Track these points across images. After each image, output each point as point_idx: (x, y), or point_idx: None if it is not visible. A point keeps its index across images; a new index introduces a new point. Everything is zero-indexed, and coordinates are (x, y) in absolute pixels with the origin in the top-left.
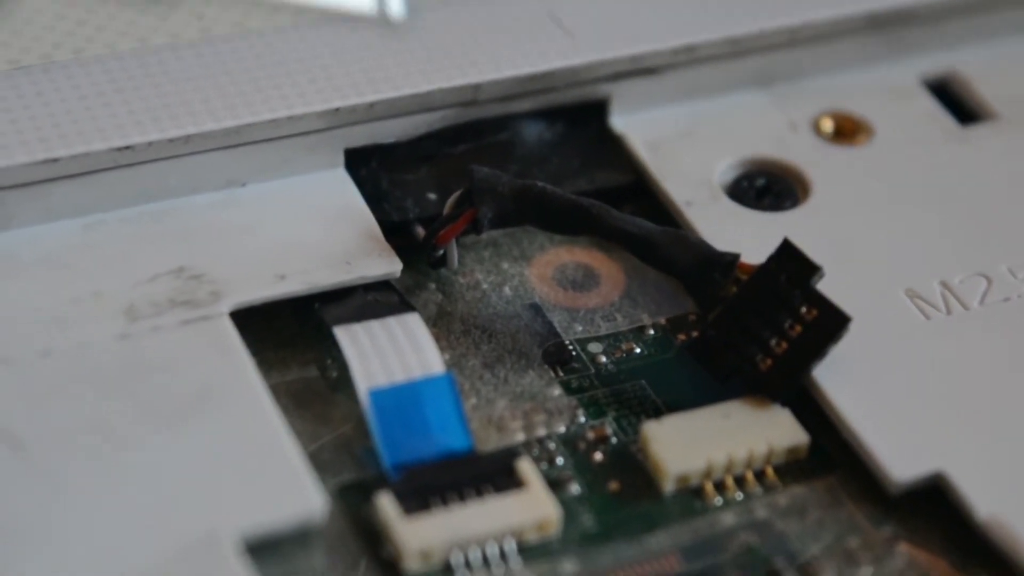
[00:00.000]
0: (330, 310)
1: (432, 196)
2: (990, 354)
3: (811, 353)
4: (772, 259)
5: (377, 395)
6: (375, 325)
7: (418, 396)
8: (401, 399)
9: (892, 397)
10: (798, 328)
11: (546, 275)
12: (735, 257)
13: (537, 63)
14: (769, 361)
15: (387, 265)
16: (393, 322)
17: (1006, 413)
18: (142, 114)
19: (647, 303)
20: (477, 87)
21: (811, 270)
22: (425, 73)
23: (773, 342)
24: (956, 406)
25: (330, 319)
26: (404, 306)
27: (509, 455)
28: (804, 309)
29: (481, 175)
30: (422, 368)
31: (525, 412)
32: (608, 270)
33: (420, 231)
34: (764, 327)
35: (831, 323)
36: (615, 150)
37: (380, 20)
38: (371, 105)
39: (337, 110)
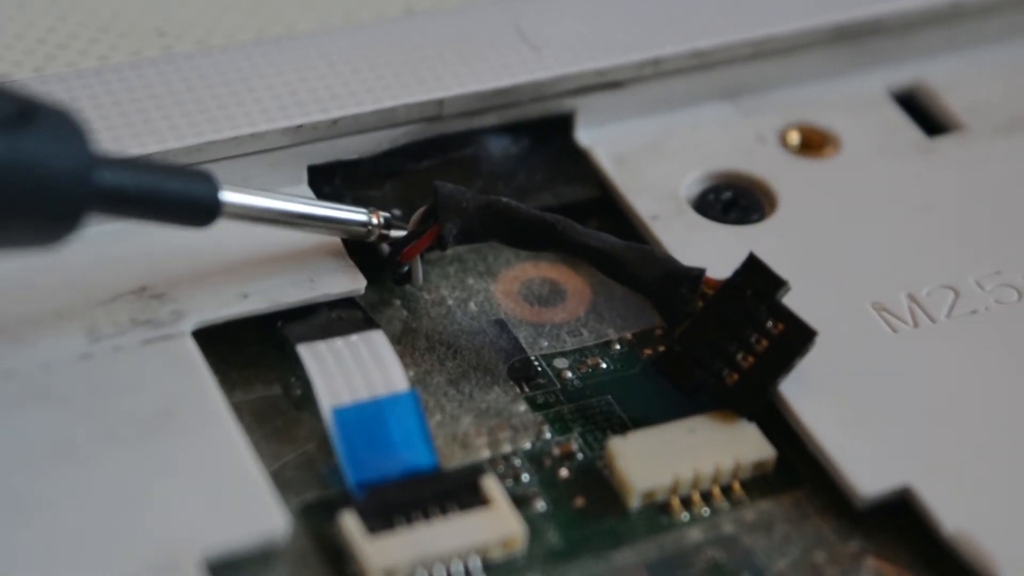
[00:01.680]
0: (293, 328)
1: (396, 213)
2: (958, 367)
3: (778, 367)
4: (738, 274)
5: (341, 413)
6: (339, 343)
7: (382, 414)
8: (365, 417)
9: (859, 411)
10: (764, 343)
11: (512, 291)
12: (701, 272)
13: (502, 77)
14: (736, 376)
15: (351, 282)
16: (357, 339)
17: (974, 427)
18: (104, 132)
19: (613, 318)
20: (441, 102)
21: (777, 284)
22: (389, 88)
23: (740, 357)
24: (923, 420)
25: (293, 337)
26: (368, 323)
27: (474, 472)
28: (770, 323)
29: (446, 191)
30: (386, 386)
31: (490, 428)
32: (574, 285)
33: (385, 248)
34: (730, 342)
35: (797, 337)
36: (581, 164)
37: None
38: (334, 121)
39: (300, 127)
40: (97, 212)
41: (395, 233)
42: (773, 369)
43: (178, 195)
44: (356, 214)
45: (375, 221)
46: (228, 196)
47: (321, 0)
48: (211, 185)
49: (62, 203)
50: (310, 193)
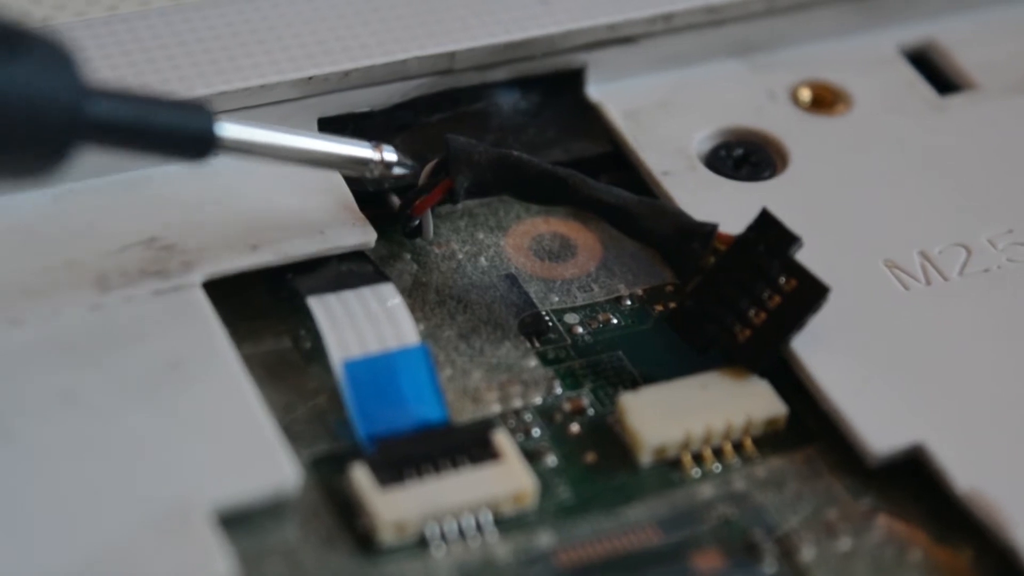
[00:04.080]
0: (303, 280)
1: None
2: (970, 325)
3: (789, 323)
4: (751, 229)
5: (351, 366)
6: (349, 295)
7: (393, 367)
8: (376, 370)
9: (871, 368)
10: (776, 298)
11: (522, 245)
12: (713, 227)
13: (513, 31)
14: (747, 331)
15: (361, 235)
16: (367, 292)
17: (986, 384)
18: (113, 82)
19: (624, 273)
20: (453, 56)
21: (790, 240)
22: (400, 41)
23: (751, 312)
24: (936, 377)
25: (304, 289)
26: (379, 276)
27: (485, 426)
28: (782, 279)
29: (457, 144)
30: (397, 339)
31: (501, 383)
32: (585, 240)
33: (395, 201)
34: (742, 297)
35: (810, 293)
36: (592, 119)
37: None
38: (345, 74)
39: (311, 79)
40: (88, 144)
41: (398, 171)
42: (785, 325)
43: (172, 127)
44: (358, 149)
45: (377, 157)
46: (224, 129)
47: None
48: (206, 116)
49: (51, 134)
50: None
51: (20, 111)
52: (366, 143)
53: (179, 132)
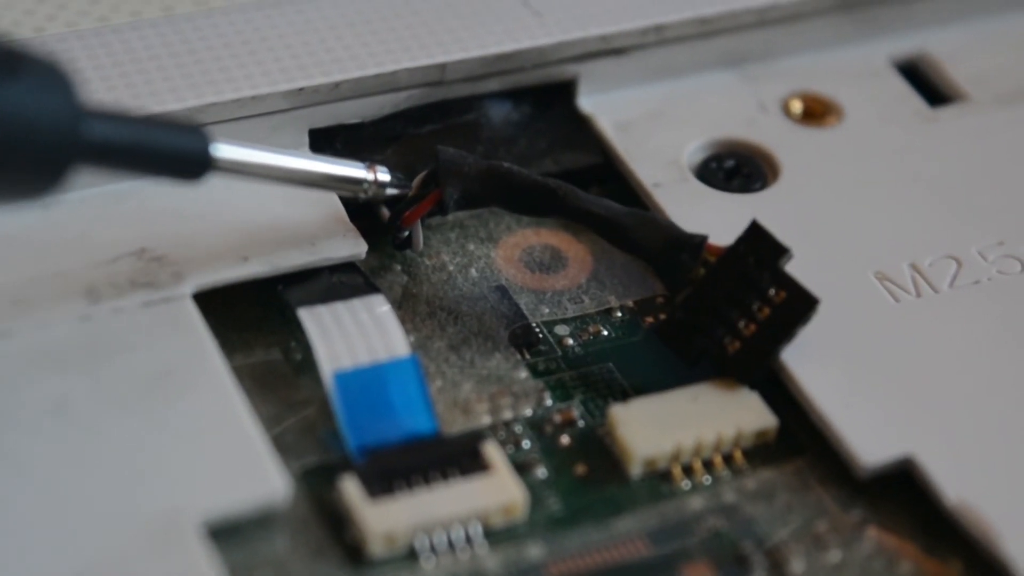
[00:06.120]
0: (294, 292)
1: (399, 175)
2: (960, 337)
3: (779, 335)
4: (741, 241)
5: (342, 378)
6: (340, 307)
7: (383, 379)
8: (366, 382)
9: (861, 380)
10: (766, 310)
11: (513, 257)
12: (703, 239)
13: (504, 43)
14: (737, 343)
15: (352, 246)
16: (358, 304)
17: (976, 397)
18: (104, 92)
19: (615, 285)
20: (443, 67)
21: (779, 252)
22: (391, 52)
23: (741, 324)
24: (926, 390)
25: (294, 301)
26: (369, 288)
27: (475, 438)
28: (772, 291)
29: (447, 156)
30: (387, 350)
31: (491, 395)
32: (575, 252)
33: (385, 212)
34: (732, 309)
35: (799, 305)
36: (583, 131)
37: None
38: (336, 85)
39: (301, 90)
40: (85, 165)
41: (391, 191)
42: (774, 337)
43: (168, 148)
44: (353, 170)
45: (371, 178)
46: (220, 150)
47: None
48: (202, 138)
49: (48, 155)
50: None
51: (17, 132)
52: (360, 163)
53: (175, 153)
